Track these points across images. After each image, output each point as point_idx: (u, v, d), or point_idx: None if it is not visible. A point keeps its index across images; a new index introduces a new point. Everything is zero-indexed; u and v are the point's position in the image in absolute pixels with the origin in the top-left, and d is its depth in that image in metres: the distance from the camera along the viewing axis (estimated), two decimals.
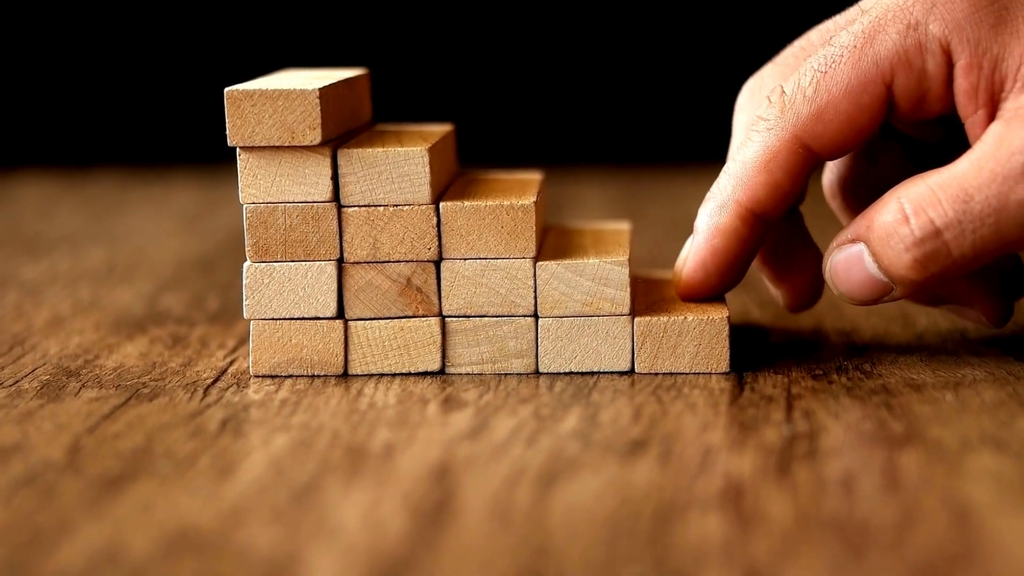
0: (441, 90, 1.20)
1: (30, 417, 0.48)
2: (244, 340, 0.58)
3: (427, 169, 0.51)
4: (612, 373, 0.52)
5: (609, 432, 0.45)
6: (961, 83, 0.49)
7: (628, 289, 0.51)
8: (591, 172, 1.10)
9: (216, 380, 0.52)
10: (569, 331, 0.52)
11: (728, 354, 0.51)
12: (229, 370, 0.53)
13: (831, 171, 0.56)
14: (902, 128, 0.54)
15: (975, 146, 0.48)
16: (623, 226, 0.58)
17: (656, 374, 0.51)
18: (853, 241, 0.50)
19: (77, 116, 1.20)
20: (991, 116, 0.49)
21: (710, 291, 0.52)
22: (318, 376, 0.52)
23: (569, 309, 0.52)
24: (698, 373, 0.51)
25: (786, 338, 0.57)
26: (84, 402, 0.49)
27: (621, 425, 0.46)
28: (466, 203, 0.52)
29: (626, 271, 0.51)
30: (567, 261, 0.52)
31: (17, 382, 0.52)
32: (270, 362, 0.52)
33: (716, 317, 0.51)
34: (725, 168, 0.52)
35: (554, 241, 0.55)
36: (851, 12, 0.53)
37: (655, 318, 0.51)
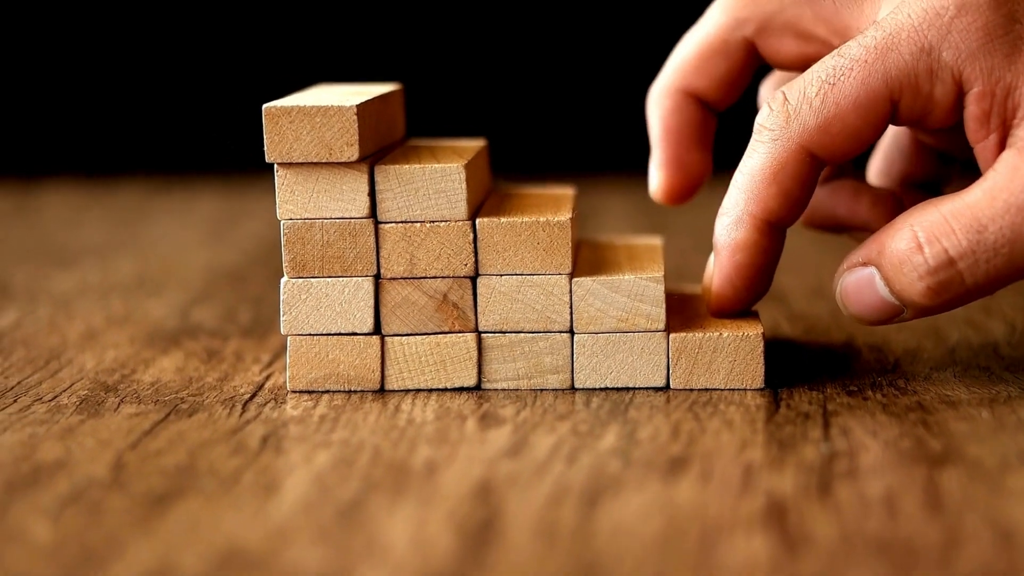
0: (462, 99, 1.20)
1: (72, 433, 0.48)
2: (279, 354, 0.58)
3: (463, 185, 0.52)
4: (647, 389, 0.52)
5: (649, 449, 0.46)
6: (973, 109, 0.49)
7: (663, 305, 0.52)
8: (614, 181, 1.10)
9: (254, 395, 0.52)
10: (605, 347, 0.52)
11: (763, 370, 0.51)
12: (266, 385, 0.54)
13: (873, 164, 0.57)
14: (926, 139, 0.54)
15: (988, 174, 0.49)
16: (655, 241, 0.59)
17: (691, 390, 0.52)
18: (864, 264, 0.50)
19: (101, 126, 1.21)
20: (1002, 142, 0.49)
21: (741, 305, 0.53)
22: (355, 391, 0.52)
23: (605, 325, 0.52)
24: (733, 389, 0.51)
25: (818, 352, 0.58)
26: (124, 417, 0.50)
27: (660, 442, 0.46)
28: (502, 219, 0.52)
29: (661, 287, 0.52)
30: (603, 277, 0.52)
31: (56, 397, 0.52)
32: (307, 377, 0.52)
33: (751, 333, 0.51)
34: (734, 180, 0.52)
35: (588, 256, 0.55)
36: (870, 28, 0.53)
37: (690, 334, 0.52)
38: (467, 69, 1.20)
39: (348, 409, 0.50)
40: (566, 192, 0.58)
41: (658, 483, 0.43)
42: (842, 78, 0.49)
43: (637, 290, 0.52)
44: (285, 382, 0.53)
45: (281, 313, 0.52)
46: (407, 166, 0.52)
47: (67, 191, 1.12)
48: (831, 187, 0.57)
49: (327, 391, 0.52)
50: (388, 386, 0.52)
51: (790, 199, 0.51)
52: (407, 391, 0.52)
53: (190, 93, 1.21)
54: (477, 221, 0.52)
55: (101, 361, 0.57)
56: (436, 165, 0.52)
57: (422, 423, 0.49)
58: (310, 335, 0.52)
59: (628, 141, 1.13)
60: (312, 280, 0.52)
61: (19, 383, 0.54)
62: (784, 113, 0.50)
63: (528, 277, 0.52)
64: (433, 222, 0.52)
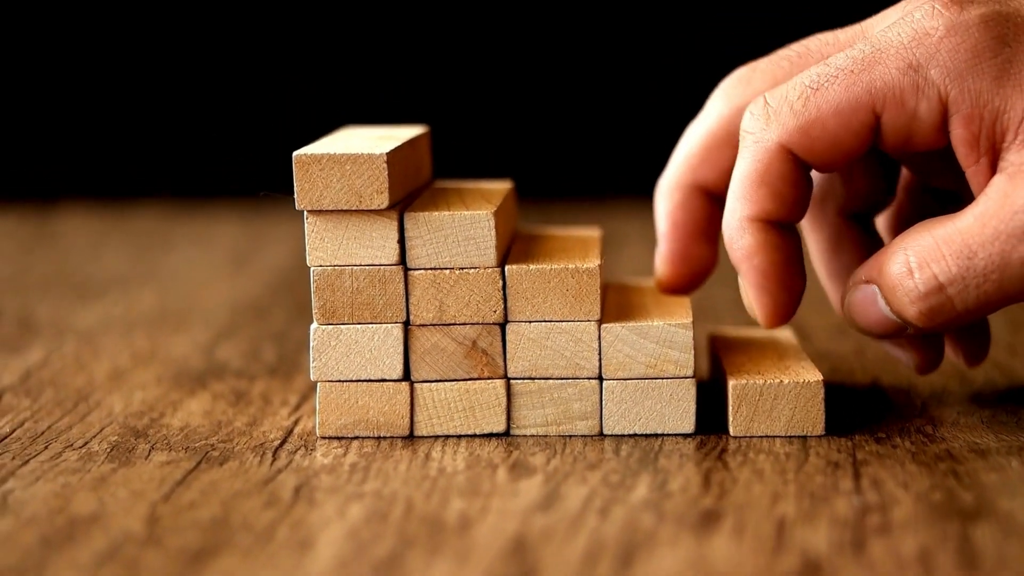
0: (473, 122, 1.20)
1: (104, 483, 0.48)
2: (306, 396, 0.58)
3: (493, 232, 0.52)
4: (676, 435, 0.52)
5: (680, 501, 0.46)
6: (961, 132, 0.49)
7: (692, 351, 0.52)
8: (632, 205, 1.10)
9: (283, 442, 0.52)
10: (633, 393, 0.52)
11: (823, 417, 0.51)
12: (295, 430, 0.54)
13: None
14: (906, 161, 0.55)
15: (979, 200, 0.49)
16: None
17: (741, 437, 0.52)
18: (867, 282, 0.51)
19: (118, 148, 1.21)
20: (993, 166, 0.49)
21: (788, 307, 0.52)
22: (384, 437, 0.52)
23: (633, 371, 0.52)
24: (793, 436, 0.51)
25: (844, 394, 0.58)
26: (156, 466, 0.50)
27: (692, 494, 0.46)
28: (531, 266, 0.52)
29: (690, 333, 0.52)
30: (631, 323, 0.52)
31: (87, 443, 0.52)
32: (336, 424, 0.53)
33: (811, 380, 0.52)
34: (730, 191, 0.52)
35: (615, 300, 0.56)
36: (853, 30, 0.53)
37: (750, 381, 0.52)
38: (485, 89, 1.20)
39: (379, 457, 0.50)
40: (592, 234, 0.58)
41: (691, 539, 0.43)
42: (825, 84, 0.49)
43: (666, 336, 0.52)
44: (314, 427, 0.53)
45: (311, 359, 0.52)
46: (436, 213, 0.52)
47: (85, 215, 1.12)
48: None
49: (356, 437, 0.52)
50: (417, 432, 0.53)
51: (782, 198, 0.51)
52: (436, 437, 0.52)
53: (209, 116, 1.21)
54: (506, 268, 0.52)
55: (129, 404, 0.58)
56: (465, 212, 0.52)
57: (453, 472, 0.49)
58: (340, 381, 0.52)
59: (647, 164, 1.13)
60: (342, 327, 0.52)
61: (49, 427, 0.55)
62: (764, 115, 0.50)
63: (557, 324, 0.52)
64: (462, 269, 0.52)
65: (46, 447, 0.52)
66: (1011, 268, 0.48)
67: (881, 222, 0.59)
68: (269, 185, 1.09)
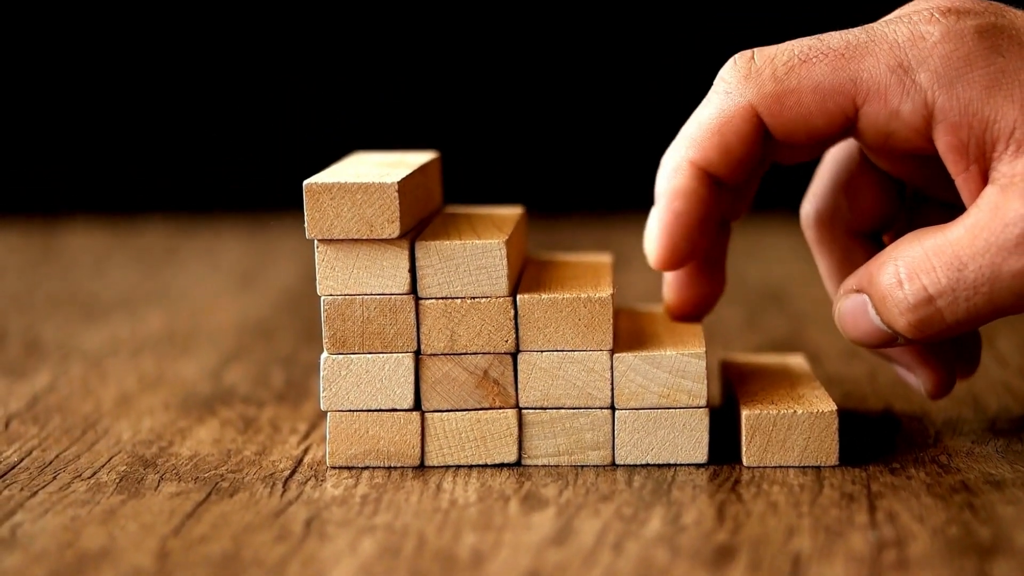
0: (479, 133, 1.20)
1: (113, 516, 0.48)
2: (315, 424, 0.58)
3: (504, 261, 0.51)
4: (689, 466, 0.52)
5: (695, 535, 0.45)
6: (949, 140, 0.49)
7: (705, 381, 0.51)
8: (639, 221, 1.10)
9: (293, 472, 0.52)
10: (646, 423, 0.52)
11: (837, 447, 0.51)
12: (305, 460, 0.53)
13: (810, 204, 0.57)
14: (896, 171, 0.54)
15: (970, 211, 0.49)
16: None
17: (755, 467, 0.51)
18: (858, 291, 0.51)
19: (124, 163, 1.21)
20: (983, 174, 0.49)
21: (681, 258, 0.52)
22: (395, 468, 0.52)
23: (646, 401, 0.52)
24: (807, 467, 0.51)
25: (857, 422, 0.57)
26: (165, 498, 0.49)
27: (705, 528, 0.46)
28: (543, 296, 0.52)
29: (703, 363, 0.51)
30: (644, 353, 0.52)
31: (95, 473, 0.52)
32: (347, 453, 0.52)
33: (825, 410, 0.51)
34: (682, 129, 0.52)
35: (627, 327, 0.55)
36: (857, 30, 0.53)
37: (764, 411, 0.51)
38: (492, 104, 1.20)
39: (390, 488, 0.50)
40: (603, 260, 0.58)
41: (706, 575, 0.42)
42: (814, 59, 0.49)
43: (679, 366, 0.51)
44: (324, 457, 0.53)
45: (321, 389, 0.52)
46: (448, 242, 0.51)
47: (91, 230, 1.12)
48: None
49: (367, 467, 0.52)
50: (428, 462, 0.52)
51: (730, 154, 0.51)
52: (447, 467, 0.52)
53: (215, 130, 1.20)
54: (518, 297, 0.51)
55: (138, 431, 0.57)
56: (477, 241, 0.51)
57: (465, 505, 0.48)
58: (350, 411, 0.52)
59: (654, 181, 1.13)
60: (352, 356, 0.52)
61: (57, 456, 0.54)
62: (745, 70, 0.50)
63: (569, 353, 0.52)
64: (474, 298, 0.52)
65: (54, 477, 0.52)
66: (1001, 281, 0.48)
67: (889, 239, 0.59)
68: (274, 201, 1.08)
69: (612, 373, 0.52)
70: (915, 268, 0.49)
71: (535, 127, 1.19)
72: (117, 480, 0.51)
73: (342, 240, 0.51)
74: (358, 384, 0.52)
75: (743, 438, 0.51)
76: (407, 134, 1.19)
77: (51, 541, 0.46)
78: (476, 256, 0.51)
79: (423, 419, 0.52)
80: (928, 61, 0.48)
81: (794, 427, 0.51)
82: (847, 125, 0.50)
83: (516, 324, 0.52)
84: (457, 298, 0.52)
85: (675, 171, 0.51)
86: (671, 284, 0.56)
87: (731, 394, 0.55)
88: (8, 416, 0.60)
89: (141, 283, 0.92)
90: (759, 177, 0.55)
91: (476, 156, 1.17)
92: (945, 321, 0.49)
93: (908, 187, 0.57)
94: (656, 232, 0.52)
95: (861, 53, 0.49)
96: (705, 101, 0.51)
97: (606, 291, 0.52)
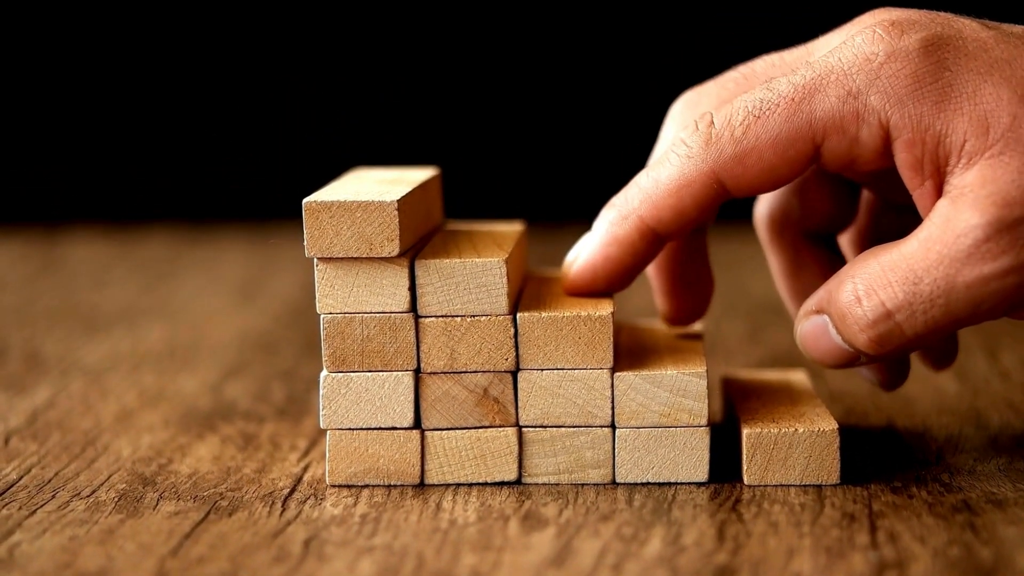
0: (476, 146, 1.20)
1: (112, 536, 0.48)
2: (315, 441, 0.58)
3: (504, 280, 0.51)
4: (689, 484, 0.52)
5: (695, 556, 0.45)
6: (905, 157, 0.49)
7: (706, 400, 0.51)
8: None
9: (293, 490, 0.52)
10: (647, 442, 0.52)
11: (839, 466, 0.51)
12: (304, 478, 0.53)
13: (763, 204, 0.57)
14: (856, 180, 0.55)
15: (924, 225, 0.49)
16: (695, 326, 0.58)
17: (755, 486, 0.51)
18: (818, 312, 0.51)
19: (125, 172, 1.21)
20: (938, 188, 0.49)
21: (594, 292, 0.53)
22: (395, 486, 0.52)
23: (647, 420, 0.52)
24: (807, 485, 0.51)
25: (859, 438, 0.57)
26: (164, 517, 0.49)
27: (706, 548, 0.46)
28: (543, 314, 0.51)
29: (704, 382, 0.51)
30: (645, 372, 0.51)
31: (94, 491, 0.52)
32: (346, 472, 0.52)
33: (826, 429, 0.51)
34: (637, 179, 0.52)
35: (628, 345, 0.55)
36: (798, 52, 0.53)
37: (765, 430, 0.51)
38: (491, 118, 1.20)
39: (389, 507, 0.50)
40: None
41: None
42: (767, 112, 0.49)
43: (680, 385, 0.51)
44: (324, 475, 0.53)
45: (320, 407, 0.52)
46: (447, 260, 0.51)
47: (92, 240, 1.11)
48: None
49: (367, 485, 0.52)
50: (428, 480, 0.52)
51: (684, 217, 0.51)
52: (447, 486, 0.52)
53: (216, 140, 1.20)
54: (518, 315, 0.51)
55: (137, 448, 0.57)
56: (477, 259, 0.51)
57: (464, 525, 0.48)
58: (350, 429, 0.52)
59: None
60: (352, 374, 0.52)
61: (56, 474, 0.54)
62: (706, 135, 0.50)
63: (569, 371, 0.52)
64: (474, 316, 0.51)
65: (53, 496, 0.52)
66: (956, 292, 0.48)
67: (845, 240, 0.59)
68: (275, 211, 1.08)
69: (613, 392, 0.52)
70: (872, 284, 0.49)
71: (536, 138, 1.19)
72: (116, 499, 0.51)
73: (342, 258, 0.51)
74: (358, 402, 0.52)
75: (744, 457, 0.51)
76: (408, 145, 1.19)
77: (49, 561, 0.46)
78: (476, 274, 0.51)
79: (423, 437, 0.52)
80: (877, 83, 0.49)
81: (795, 445, 0.51)
82: (809, 165, 0.50)
83: (516, 342, 0.52)
84: (457, 316, 0.51)
85: (623, 219, 0.52)
86: (660, 294, 0.57)
87: (732, 411, 0.55)
88: (8, 432, 0.60)
89: (142, 295, 0.92)
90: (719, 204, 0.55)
91: (477, 166, 1.17)
92: (905, 335, 0.49)
93: (869, 192, 0.57)
94: (581, 264, 0.53)
95: (811, 92, 0.49)
96: (663, 159, 0.51)
97: (607, 309, 0.52)
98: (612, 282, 0.53)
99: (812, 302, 0.51)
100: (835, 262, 0.57)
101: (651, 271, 0.57)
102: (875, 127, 0.49)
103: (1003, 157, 0.47)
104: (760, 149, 0.50)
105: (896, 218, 0.57)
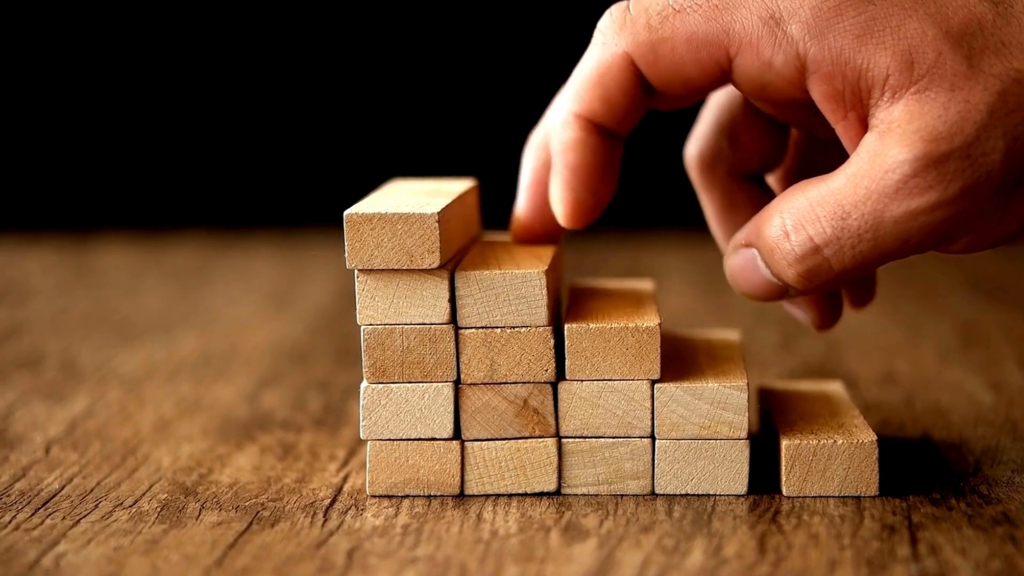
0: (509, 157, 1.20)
1: (156, 546, 0.48)
2: (354, 451, 0.58)
3: (544, 291, 0.51)
4: (728, 496, 0.52)
5: (736, 568, 0.45)
6: (824, 89, 0.49)
7: (747, 413, 0.51)
8: (670, 237, 1.10)
9: (334, 500, 0.52)
10: (686, 454, 0.52)
11: (878, 477, 0.51)
12: (344, 488, 0.53)
13: (693, 145, 0.57)
14: (780, 115, 0.54)
15: (851, 159, 0.49)
16: (733, 335, 0.58)
17: (794, 497, 0.51)
18: (747, 245, 0.51)
19: (155, 180, 1.21)
20: (862, 121, 0.49)
21: (586, 212, 0.53)
22: (435, 496, 0.52)
23: (687, 432, 0.52)
24: (846, 497, 0.51)
25: (895, 450, 0.57)
26: (207, 527, 0.50)
27: (748, 561, 0.46)
28: (591, 325, 0.52)
29: (745, 395, 0.51)
30: (686, 384, 0.52)
31: (136, 501, 0.52)
32: (387, 482, 0.52)
33: (865, 440, 0.51)
34: (567, 84, 0.52)
35: (666, 354, 0.55)
36: None
37: (804, 442, 0.51)
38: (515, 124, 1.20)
39: (430, 518, 0.50)
40: (646, 288, 0.58)
41: None
42: (688, 9, 0.50)
43: (720, 398, 0.51)
44: (364, 485, 0.53)
45: (361, 418, 0.52)
46: (487, 272, 0.51)
47: (124, 248, 1.12)
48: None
49: (407, 496, 0.52)
50: (468, 491, 0.52)
51: (612, 104, 0.51)
52: (487, 496, 0.52)
53: (245, 148, 1.21)
54: (565, 327, 0.52)
55: (177, 458, 0.57)
56: (516, 271, 0.51)
57: (506, 536, 0.48)
58: (390, 440, 0.52)
59: (686, 197, 1.13)
60: (392, 385, 0.52)
61: (98, 484, 0.54)
62: (621, 21, 0.51)
63: (610, 383, 0.52)
64: (513, 327, 0.52)
65: (96, 506, 0.52)
66: (884, 227, 0.48)
67: (774, 179, 0.59)
68: (305, 218, 1.09)
69: (653, 403, 0.52)
70: (800, 219, 0.49)
71: None
72: (159, 509, 0.51)
73: (382, 270, 0.51)
74: (398, 413, 0.52)
75: (783, 468, 0.51)
76: (440, 154, 1.19)
77: (94, 572, 0.46)
78: (516, 286, 0.51)
79: (463, 448, 0.52)
80: (799, 12, 0.49)
81: (834, 457, 0.51)
82: (721, 75, 0.50)
83: (559, 353, 0.52)
84: (497, 327, 0.52)
85: (564, 127, 0.52)
86: (524, 204, 0.56)
87: (770, 422, 0.55)
88: (48, 442, 0.60)
89: (175, 304, 0.92)
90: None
91: (512, 177, 1.17)
92: (833, 270, 0.49)
93: (796, 129, 0.57)
94: (559, 191, 0.53)
95: (734, 4, 0.49)
96: (585, 55, 0.52)
97: (653, 320, 0.52)
98: (592, 189, 0.53)
99: (741, 235, 0.51)
100: (767, 201, 0.57)
101: (531, 180, 0.56)
102: (791, 56, 0.49)
103: (929, 92, 0.47)
104: (674, 41, 0.50)
105: (823, 154, 0.57)
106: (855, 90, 0.48)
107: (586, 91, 0.51)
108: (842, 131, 0.49)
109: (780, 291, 0.51)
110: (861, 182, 0.48)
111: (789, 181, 0.58)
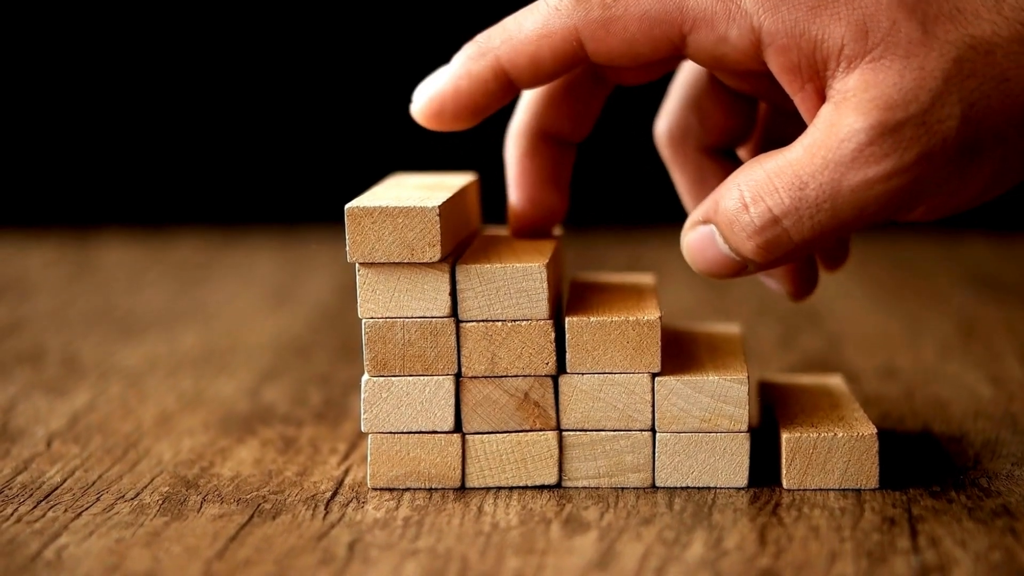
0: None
1: (158, 539, 0.48)
2: (355, 444, 0.58)
3: (544, 284, 0.51)
4: (729, 489, 0.52)
5: (737, 560, 0.46)
6: (781, 61, 0.49)
7: (747, 406, 0.52)
8: (672, 232, 1.10)
9: (335, 493, 0.52)
10: (687, 447, 0.52)
11: (878, 470, 0.51)
12: (346, 481, 0.54)
13: (663, 121, 0.58)
14: (743, 88, 0.54)
15: (808, 130, 0.49)
16: (733, 328, 0.58)
17: (794, 490, 0.51)
18: (705, 222, 0.51)
19: (156, 176, 1.21)
20: (819, 92, 0.49)
21: (438, 126, 0.53)
22: (436, 489, 0.52)
23: (687, 425, 0.52)
24: (847, 490, 0.51)
25: (895, 443, 0.57)
26: (208, 519, 0.50)
27: (748, 552, 0.46)
28: (592, 318, 0.52)
29: (745, 389, 0.52)
30: (686, 377, 0.52)
31: (138, 494, 0.52)
32: (388, 475, 0.52)
33: (865, 433, 0.51)
34: (504, 21, 0.52)
35: (666, 347, 0.55)
36: None
37: (804, 435, 0.51)
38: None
39: (431, 511, 0.50)
40: (647, 281, 0.58)
41: None
42: None
43: (721, 391, 0.52)
44: (365, 478, 0.53)
45: (362, 411, 0.52)
46: (488, 265, 0.51)
47: (125, 243, 1.12)
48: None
49: (408, 489, 0.52)
50: (469, 484, 0.52)
51: (538, 68, 0.51)
52: (488, 489, 0.52)
53: (245, 143, 1.21)
54: (567, 320, 0.52)
55: (178, 452, 0.58)
56: (517, 264, 0.52)
57: (507, 528, 0.49)
58: (391, 433, 0.52)
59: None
60: (393, 379, 0.52)
61: (100, 477, 0.54)
62: None
63: (610, 376, 0.52)
64: (514, 321, 0.52)
65: (98, 498, 0.52)
66: (842, 196, 0.48)
67: (744, 153, 0.59)
68: (305, 214, 1.09)
69: (654, 396, 0.52)
70: (758, 191, 0.49)
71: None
72: (160, 501, 0.52)
73: (383, 263, 0.51)
74: (399, 406, 0.52)
75: (783, 461, 0.51)
76: (441, 149, 1.19)
77: (96, 564, 0.46)
78: (516, 279, 0.52)
79: (464, 441, 0.52)
80: None
81: (834, 450, 0.51)
82: (673, 52, 0.50)
83: (560, 347, 0.52)
84: (498, 321, 0.52)
85: (480, 56, 0.52)
86: (515, 196, 0.57)
87: (770, 415, 0.55)
88: (50, 435, 0.60)
89: (176, 299, 0.92)
90: (601, 99, 0.56)
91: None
92: (792, 241, 0.49)
93: (762, 102, 0.57)
94: (430, 93, 0.52)
95: None
96: (533, 7, 0.51)
97: (654, 314, 0.52)
98: (457, 117, 0.53)
99: (699, 212, 0.51)
100: None
101: (516, 171, 0.56)
102: (745, 29, 0.49)
103: (884, 61, 0.47)
104: (626, 19, 0.50)
105: (792, 127, 0.57)
106: (811, 62, 0.48)
107: (520, 45, 0.51)
108: (800, 102, 0.50)
109: (739, 267, 0.51)
110: (818, 152, 0.48)
111: (758, 153, 0.58)
